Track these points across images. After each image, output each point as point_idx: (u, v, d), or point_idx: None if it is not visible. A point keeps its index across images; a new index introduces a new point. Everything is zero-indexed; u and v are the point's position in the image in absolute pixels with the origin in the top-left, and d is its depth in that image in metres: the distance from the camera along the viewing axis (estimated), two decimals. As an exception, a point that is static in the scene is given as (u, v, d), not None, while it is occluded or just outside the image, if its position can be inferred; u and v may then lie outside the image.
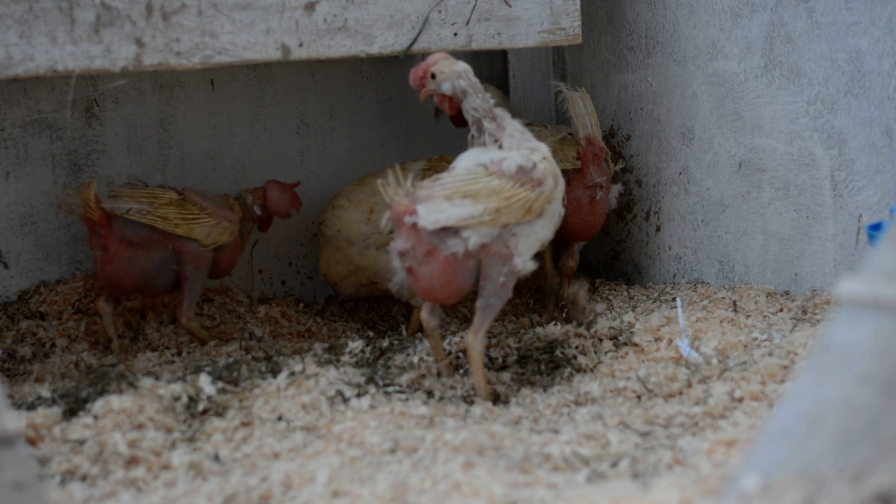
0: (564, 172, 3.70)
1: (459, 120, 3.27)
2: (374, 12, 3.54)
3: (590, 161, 3.78)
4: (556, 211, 3.16)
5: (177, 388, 2.99)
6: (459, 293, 3.07)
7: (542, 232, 3.11)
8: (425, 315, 3.11)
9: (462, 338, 3.32)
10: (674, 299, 3.77)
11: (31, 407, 2.94)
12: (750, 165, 3.79)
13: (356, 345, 3.29)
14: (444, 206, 2.97)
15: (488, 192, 3.02)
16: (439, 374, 3.18)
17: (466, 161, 3.15)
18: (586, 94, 3.83)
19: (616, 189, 3.95)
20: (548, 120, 4.42)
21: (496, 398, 3.11)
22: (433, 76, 3.21)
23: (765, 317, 3.54)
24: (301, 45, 3.45)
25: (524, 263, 3.08)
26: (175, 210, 3.57)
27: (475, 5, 3.67)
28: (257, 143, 4.12)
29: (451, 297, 3.06)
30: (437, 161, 3.88)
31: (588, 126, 3.77)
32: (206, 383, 3.02)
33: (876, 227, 3.19)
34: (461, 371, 3.22)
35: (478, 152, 3.16)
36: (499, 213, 3.00)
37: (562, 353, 3.31)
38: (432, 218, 2.96)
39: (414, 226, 2.97)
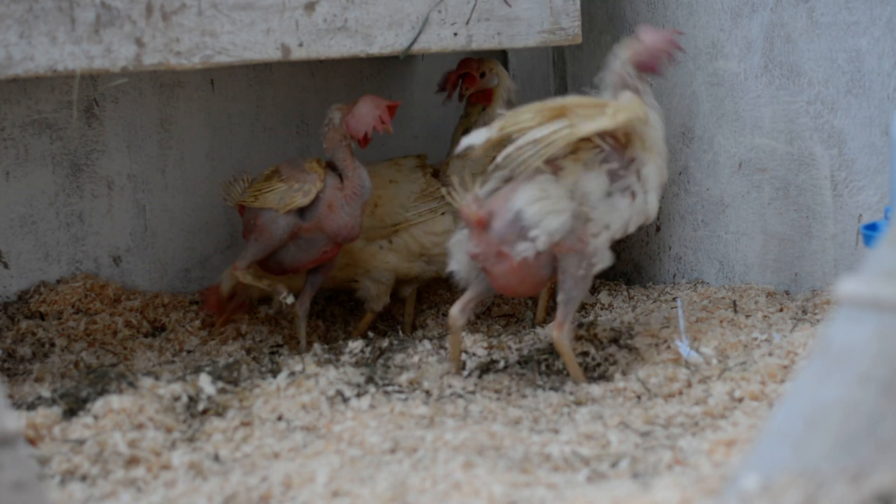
0: None
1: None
2: (374, 12, 3.54)
3: None
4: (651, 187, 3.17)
5: (177, 387, 2.99)
6: (539, 286, 3.20)
7: (625, 213, 3.12)
8: (455, 312, 3.16)
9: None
10: (674, 299, 3.77)
11: (31, 407, 2.94)
12: (750, 165, 3.79)
13: (356, 345, 3.29)
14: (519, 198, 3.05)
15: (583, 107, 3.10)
16: (448, 372, 3.17)
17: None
18: None
19: None
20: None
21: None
22: None
23: (765, 317, 3.54)
24: (301, 45, 3.45)
25: (601, 252, 3.10)
26: (258, 184, 3.62)
27: (475, 5, 3.66)
28: (257, 143, 4.11)
29: (530, 290, 3.22)
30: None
31: None
32: (206, 383, 3.02)
33: (871, 228, 3.18)
34: (465, 374, 3.22)
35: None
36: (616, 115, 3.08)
37: (562, 353, 3.31)
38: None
39: (483, 231, 3.05)
